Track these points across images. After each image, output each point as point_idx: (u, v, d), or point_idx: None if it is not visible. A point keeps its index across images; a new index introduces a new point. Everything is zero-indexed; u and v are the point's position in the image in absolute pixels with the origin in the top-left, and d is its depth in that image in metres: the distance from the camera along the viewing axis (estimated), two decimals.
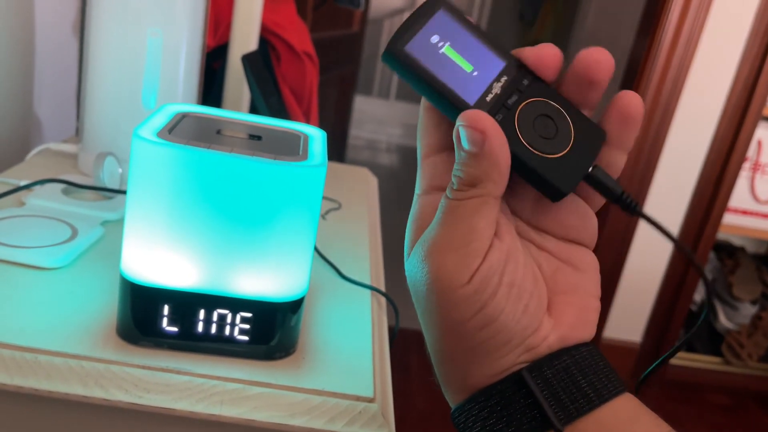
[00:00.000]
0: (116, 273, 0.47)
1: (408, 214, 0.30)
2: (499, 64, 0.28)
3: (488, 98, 0.27)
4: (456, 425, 0.28)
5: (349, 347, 0.47)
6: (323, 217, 0.72)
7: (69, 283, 0.48)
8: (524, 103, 0.28)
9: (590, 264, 0.29)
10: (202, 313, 0.41)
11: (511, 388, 0.26)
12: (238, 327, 0.41)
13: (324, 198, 0.76)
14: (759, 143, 1.70)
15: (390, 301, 0.58)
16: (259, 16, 0.88)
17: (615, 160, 0.28)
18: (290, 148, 0.42)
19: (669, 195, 1.71)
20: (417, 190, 0.30)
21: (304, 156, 0.41)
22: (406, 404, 1.54)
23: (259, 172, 0.38)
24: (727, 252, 1.97)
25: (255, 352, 0.42)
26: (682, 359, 1.88)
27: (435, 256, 0.26)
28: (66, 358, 0.40)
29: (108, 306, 0.46)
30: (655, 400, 1.78)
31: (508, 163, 0.26)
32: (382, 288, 0.60)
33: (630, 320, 1.81)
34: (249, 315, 0.41)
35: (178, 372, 0.40)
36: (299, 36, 1.03)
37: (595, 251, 0.30)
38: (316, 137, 0.46)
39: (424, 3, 0.29)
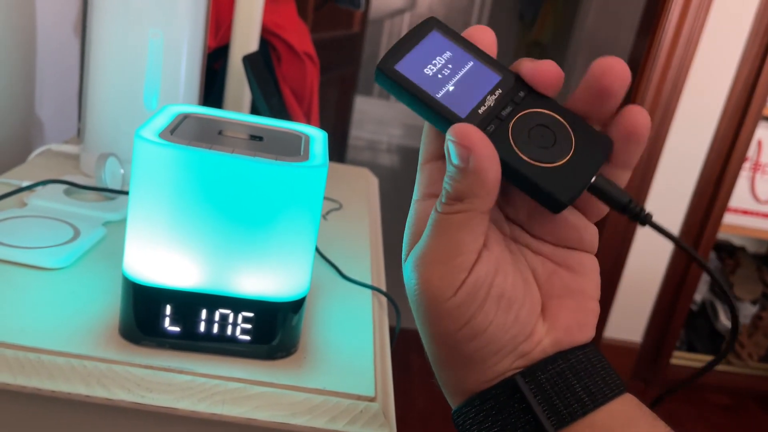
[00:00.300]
0: (118, 273, 0.47)
1: (408, 214, 0.30)
2: (494, 78, 0.28)
3: (480, 110, 0.27)
4: (456, 426, 0.29)
5: (350, 347, 0.47)
6: (324, 217, 0.73)
7: (71, 284, 0.48)
8: (520, 114, 0.27)
9: (589, 267, 0.29)
10: (203, 313, 0.41)
11: (505, 393, 0.27)
12: (239, 327, 0.42)
13: (325, 198, 0.76)
14: (759, 143, 1.70)
15: (391, 301, 0.58)
16: (259, 17, 0.89)
17: (617, 178, 0.28)
18: (291, 148, 0.42)
19: (669, 195, 1.71)
20: (414, 196, 0.30)
21: (306, 156, 0.41)
22: (406, 403, 1.54)
23: (261, 172, 0.38)
24: (728, 252, 1.97)
25: (256, 352, 0.42)
26: (682, 359, 1.88)
27: (422, 268, 0.27)
28: (68, 357, 0.40)
29: (110, 306, 0.46)
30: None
31: (496, 179, 0.25)
32: (383, 288, 0.60)
33: (630, 320, 1.81)
34: (251, 315, 0.41)
35: (180, 371, 0.40)
36: (300, 36, 1.03)
37: (596, 252, 0.30)
38: (317, 138, 0.46)
39: (418, 25, 0.29)
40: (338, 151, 2.43)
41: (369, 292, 0.56)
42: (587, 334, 0.28)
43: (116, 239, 0.57)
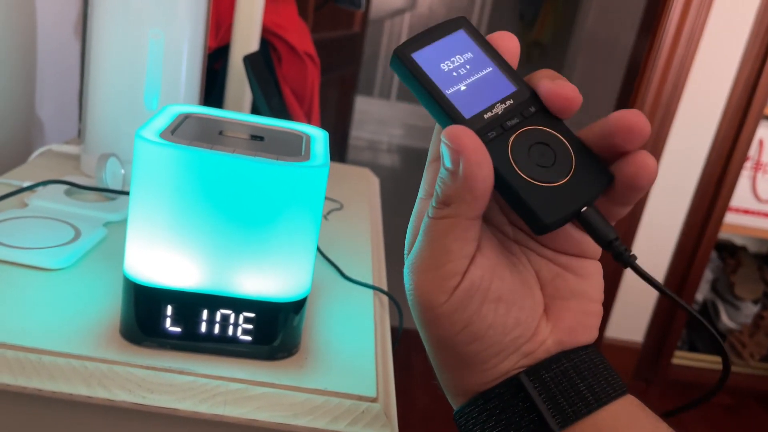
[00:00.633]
0: (119, 274, 0.47)
1: (409, 214, 0.30)
2: (509, 88, 0.28)
3: (486, 116, 0.27)
4: (458, 426, 0.29)
5: (351, 347, 0.47)
6: (325, 217, 0.72)
7: (72, 284, 0.48)
8: (525, 128, 0.27)
9: (593, 271, 0.29)
10: (205, 314, 0.41)
11: (510, 392, 0.26)
12: (241, 327, 0.41)
13: (326, 198, 0.76)
14: (760, 142, 1.70)
15: (393, 300, 0.58)
16: (260, 17, 0.88)
17: (612, 213, 0.27)
18: (292, 148, 0.42)
19: (670, 194, 1.71)
20: (419, 194, 0.30)
21: (306, 156, 0.41)
22: (408, 403, 1.54)
23: (262, 172, 0.38)
24: (729, 251, 1.97)
25: (258, 353, 0.42)
26: (684, 359, 1.88)
27: (414, 274, 0.27)
28: (69, 358, 0.40)
29: (111, 307, 0.46)
30: (657, 399, 1.78)
31: (486, 186, 0.25)
32: (385, 288, 0.60)
33: (632, 320, 1.81)
34: (252, 315, 0.41)
35: (182, 372, 0.40)
36: (300, 37, 1.03)
37: None
38: (318, 137, 0.46)
39: (447, 20, 0.29)
40: (339, 151, 2.43)
41: (370, 292, 0.56)
42: (590, 335, 0.28)
43: (117, 240, 0.57)
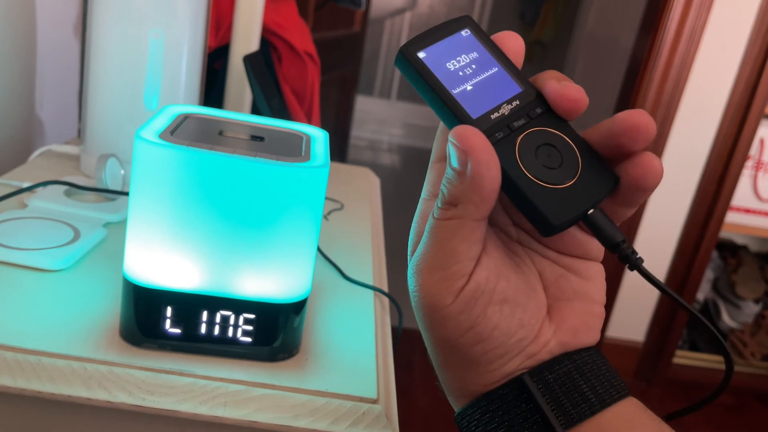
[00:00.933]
0: (119, 275, 0.47)
1: (410, 214, 0.30)
2: (515, 89, 0.27)
3: (493, 116, 0.27)
4: (459, 428, 0.28)
5: (352, 348, 0.46)
6: (326, 217, 0.72)
7: (71, 285, 0.48)
8: (532, 129, 0.27)
9: (595, 273, 0.29)
10: (205, 315, 0.41)
11: (512, 392, 0.26)
12: (241, 328, 0.41)
13: (326, 198, 0.76)
14: (761, 141, 1.69)
15: (393, 301, 0.58)
16: (260, 17, 0.88)
17: (616, 215, 0.27)
18: (293, 148, 0.42)
19: (672, 194, 1.70)
20: (422, 194, 0.30)
21: (307, 157, 0.41)
22: (408, 404, 1.54)
23: (262, 173, 0.38)
24: (730, 251, 1.97)
25: (258, 354, 0.42)
26: (685, 358, 1.88)
27: (419, 275, 0.26)
28: (69, 360, 0.40)
29: (111, 308, 0.46)
30: (658, 399, 1.78)
31: (493, 187, 0.24)
32: (385, 288, 0.59)
33: (633, 319, 1.81)
34: (252, 316, 0.41)
35: (182, 374, 0.40)
36: (300, 36, 1.03)
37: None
38: (319, 138, 0.45)
39: (453, 19, 0.28)
40: (339, 151, 2.43)
41: (371, 292, 0.56)
42: (593, 337, 0.28)
43: (117, 240, 0.56)
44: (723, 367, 1.96)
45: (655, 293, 1.79)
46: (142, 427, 0.41)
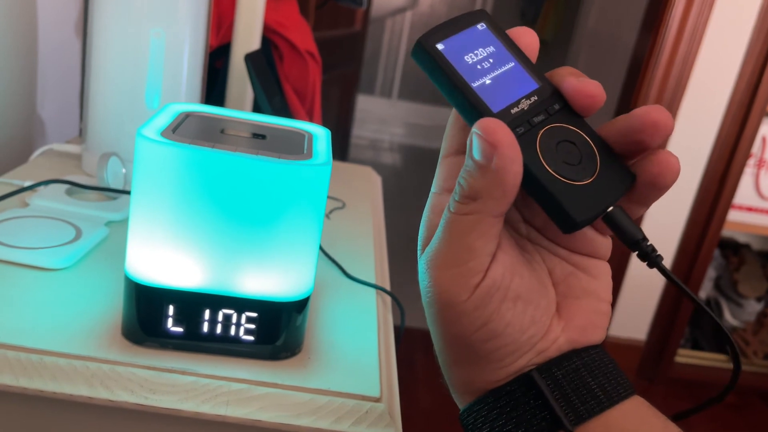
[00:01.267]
0: (121, 273, 0.47)
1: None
2: (532, 85, 0.27)
3: (513, 111, 0.27)
4: (464, 426, 0.28)
5: (354, 347, 0.46)
6: (327, 216, 0.72)
7: (73, 284, 0.48)
8: (551, 125, 0.27)
9: (603, 271, 0.29)
10: (207, 314, 0.41)
11: (521, 389, 0.26)
12: (243, 327, 0.41)
13: (328, 197, 0.76)
14: (763, 139, 1.69)
15: (395, 300, 0.58)
16: (261, 16, 0.88)
17: (631, 213, 0.27)
18: (295, 146, 0.42)
19: (674, 192, 1.70)
20: (432, 189, 0.29)
21: (309, 155, 0.41)
22: (410, 402, 1.54)
23: (264, 171, 0.38)
24: (732, 249, 1.96)
25: (260, 352, 0.42)
26: (688, 357, 1.87)
27: (434, 271, 0.26)
28: (71, 359, 0.39)
29: (113, 307, 0.45)
30: (660, 398, 1.77)
31: (515, 183, 0.24)
32: (387, 287, 0.59)
33: (635, 318, 1.81)
34: (254, 315, 0.41)
35: (184, 372, 0.40)
36: (302, 35, 1.03)
37: None
38: (321, 136, 0.45)
39: (468, 12, 0.28)
40: (341, 150, 2.43)
41: (373, 291, 0.56)
42: (600, 335, 0.28)
43: (118, 239, 0.56)
44: (725, 365, 1.96)
45: (657, 292, 1.79)
46: (144, 426, 0.41)
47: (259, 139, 0.43)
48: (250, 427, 0.40)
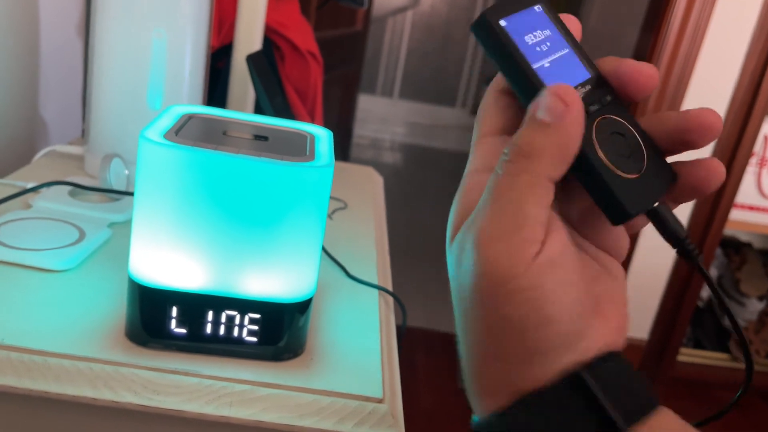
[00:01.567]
0: (124, 274, 0.47)
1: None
2: (585, 74, 0.28)
3: None
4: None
5: (357, 347, 0.46)
6: (330, 216, 0.72)
7: (77, 286, 0.48)
8: (604, 116, 0.27)
9: (621, 273, 0.28)
10: (210, 315, 0.41)
11: (568, 389, 0.24)
12: (246, 328, 0.41)
13: (330, 198, 0.76)
14: (765, 138, 1.69)
15: (397, 301, 0.58)
16: (263, 16, 0.88)
17: None
18: (297, 148, 0.42)
19: None
20: (467, 169, 0.28)
21: (311, 156, 0.41)
22: (411, 402, 1.54)
23: (267, 172, 0.38)
24: (734, 248, 1.96)
25: (263, 353, 0.42)
26: (690, 356, 1.87)
27: (484, 243, 0.24)
28: (75, 360, 0.40)
29: (116, 308, 0.46)
30: (662, 397, 1.77)
31: (575, 148, 0.24)
32: (389, 287, 0.59)
33: (637, 317, 1.80)
34: (257, 316, 0.41)
35: (187, 374, 0.40)
36: (303, 35, 1.03)
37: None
38: (323, 137, 0.45)
39: None
40: (342, 150, 2.43)
41: (375, 291, 0.56)
42: (625, 340, 0.26)
43: (121, 240, 0.57)
44: (727, 364, 1.95)
45: (659, 291, 1.79)
46: (148, 427, 0.41)
47: (262, 140, 0.43)
48: (253, 428, 0.40)
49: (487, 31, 0.27)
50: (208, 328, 0.41)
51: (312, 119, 1.05)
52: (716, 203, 1.69)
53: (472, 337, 0.25)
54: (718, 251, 1.93)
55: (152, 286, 0.40)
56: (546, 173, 0.24)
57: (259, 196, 0.38)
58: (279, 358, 0.43)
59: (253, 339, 0.42)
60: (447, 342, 1.74)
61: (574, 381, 0.24)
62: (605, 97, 0.27)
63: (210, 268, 0.40)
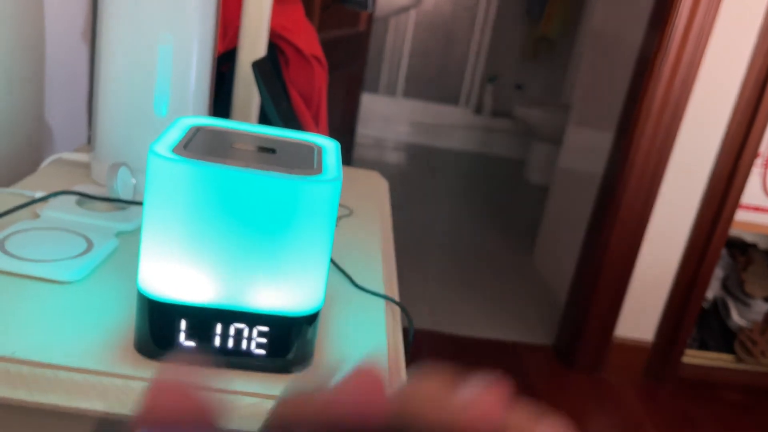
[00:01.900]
0: (132, 285, 0.47)
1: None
2: None
3: None
4: None
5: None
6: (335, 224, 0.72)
7: (85, 297, 0.48)
8: None
9: None
10: (219, 328, 0.41)
11: None
12: (255, 341, 0.41)
13: None
14: None
15: (404, 311, 0.58)
16: (267, 21, 0.88)
17: None
18: (304, 160, 0.42)
19: (681, 191, 1.69)
20: None
21: (319, 169, 0.41)
22: None
23: (275, 187, 0.38)
24: (740, 248, 1.96)
25: (272, 366, 0.42)
26: (695, 357, 1.87)
27: None
28: (85, 374, 0.40)
29: (124, 320, 0.46)
30: (668, 398, 1.77)
31: None
32: (396, 296, 0.59)
33: (642, 318, 1.80)
34: (266, 329, 0.41)
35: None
36: (308, 40, 1.03)
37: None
38: (330, 149, 0.45)
39: None
40: (346, 150, 2.43)
41: (382, 300, 0.56)
42: None
43: (129, 250, 0.57)
44: (732, 366, 1.94)
45: (664, 292, 1.78)
46: None
47: (269, 153, 0.43)
48: None
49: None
50: (217, 341, 0.41)
51: (317, 123, 1.05)
52: (722, 204, 1.68)
53: None
54: (724, 252, 1.92)
55: (161, 300, 0.40)
56: None
57: (267, 210, 0.38)
58: (288, 371, 0.43)
59: (262, 352, 0.42)
60: (452, 343, 1.74)
61: None
62: None
63: (219, 282, 0.40)
